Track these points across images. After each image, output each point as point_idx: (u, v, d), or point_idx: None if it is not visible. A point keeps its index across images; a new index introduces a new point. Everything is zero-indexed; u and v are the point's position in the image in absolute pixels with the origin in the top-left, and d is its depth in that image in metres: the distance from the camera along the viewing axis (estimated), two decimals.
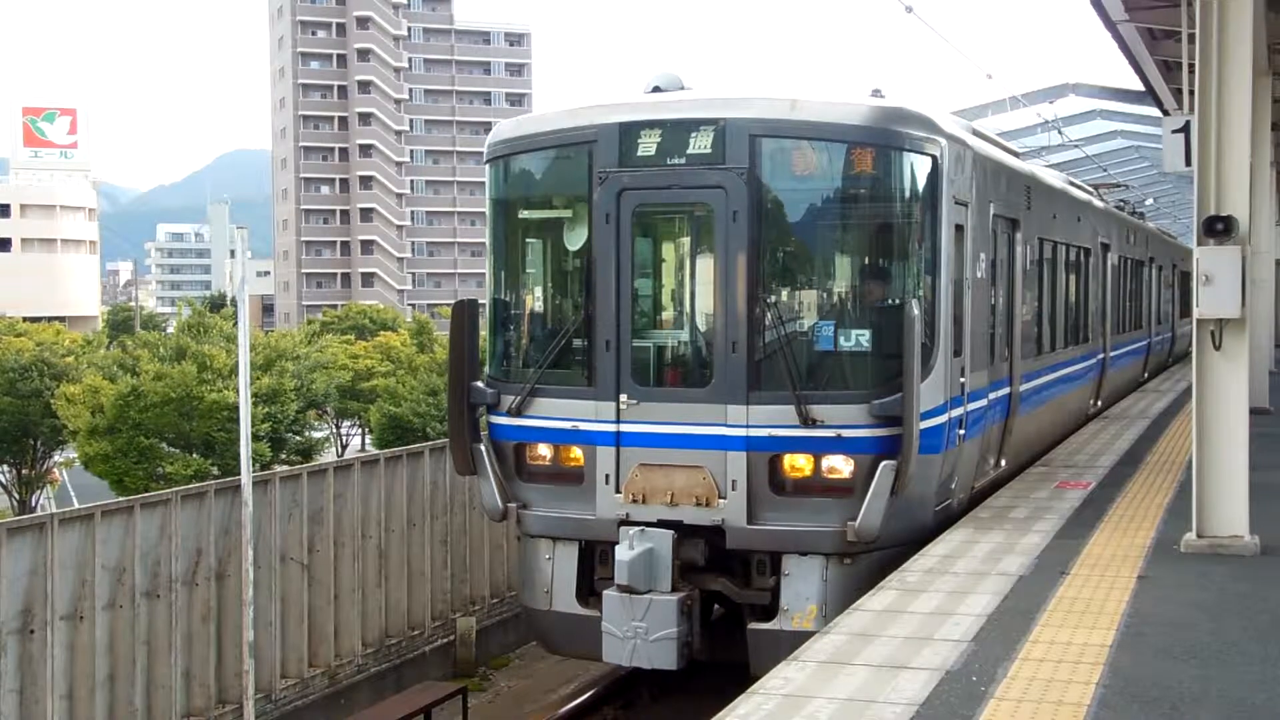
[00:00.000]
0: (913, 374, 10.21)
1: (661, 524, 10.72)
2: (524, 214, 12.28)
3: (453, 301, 12.39)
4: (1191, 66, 10.56)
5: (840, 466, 10.59)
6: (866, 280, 11.19)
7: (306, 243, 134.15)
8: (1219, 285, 9.67)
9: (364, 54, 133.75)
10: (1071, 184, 19.01)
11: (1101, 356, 19.92)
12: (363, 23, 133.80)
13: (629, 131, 10.96)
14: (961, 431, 11.43)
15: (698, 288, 11.27)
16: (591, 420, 11.05)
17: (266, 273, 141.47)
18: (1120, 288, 21.98)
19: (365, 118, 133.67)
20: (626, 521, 10.86)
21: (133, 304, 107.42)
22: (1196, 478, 9.95)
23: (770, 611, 10.75)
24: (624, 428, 10.95)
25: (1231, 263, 9.67)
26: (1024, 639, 7.67)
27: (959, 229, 11.35)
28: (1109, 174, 35.97)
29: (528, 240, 12.37)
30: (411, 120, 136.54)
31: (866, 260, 11.42)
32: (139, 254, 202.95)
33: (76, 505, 15.08)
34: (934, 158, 10.87)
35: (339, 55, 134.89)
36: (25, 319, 61.42)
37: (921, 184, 10.91)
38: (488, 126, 26.75)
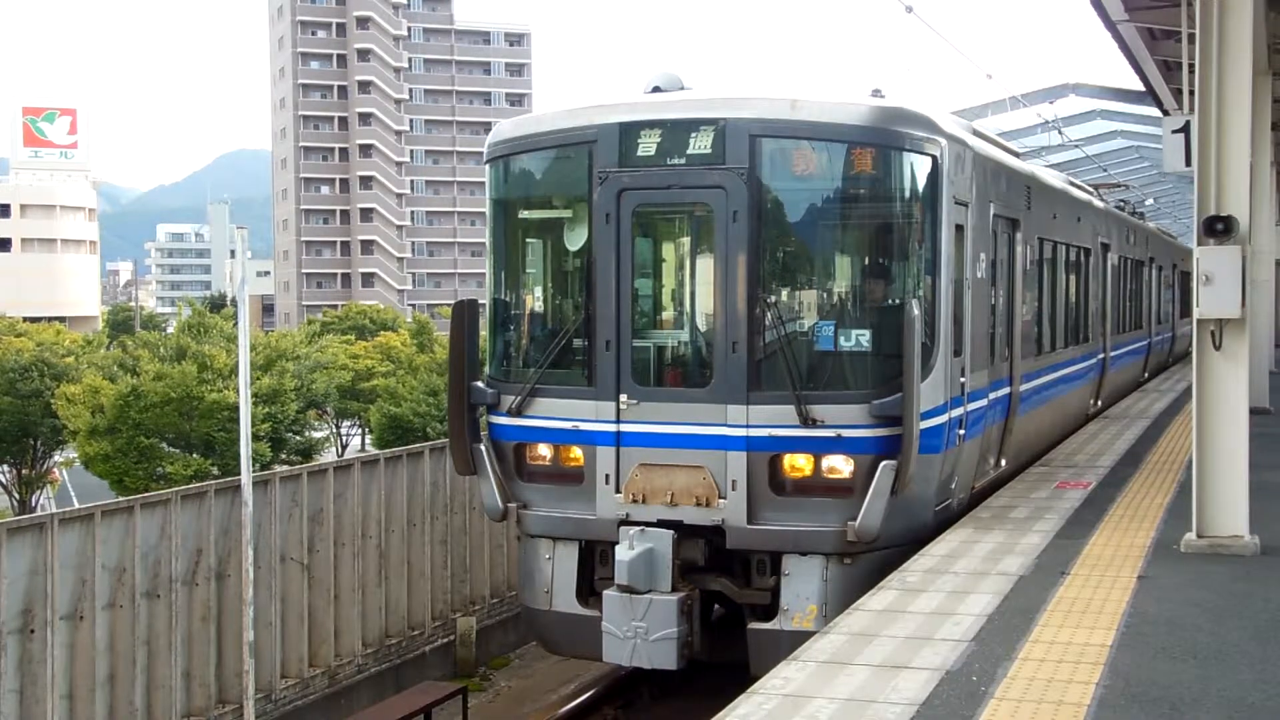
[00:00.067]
0: (913, 374, 10.21)
1: (661, 524, 10.73)
2: (524, 214, 12.29)
3: (453, 301, 12.39)
4: (1191, 66, 10.56)
5: (840, 466, 10.59)
6: (867, 280, 11.19)
7: (306, 243, 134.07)
8: (1219, 285, 9.67)
9: (364, 54, 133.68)
10: (1071, 184, 19.00)
11: (1101, 356, 19.91)
12: (363, 23, 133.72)
13: (629, 131, 10.96)
14: (961, 431, 11.42)
15: (698, 288, 11.27)
16: (591, 420, 11.06)
17: (266, 273, 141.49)
18: (1120, 288, 21.97)
19: (365, 118, 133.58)
20: (626, 521, 10.87)
21: (133, 304, 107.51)
22: (1196, 478, 9.95)
23: (770, 611, 10.75)
24: (624, 428, 10.96)
25: (1231, 263, 9.67)
26: (1024, 639, 7.67)
27: (959, 229, 11.34)
28: (1109, 174, 35.95)
29: (528, 240, 12.37)
30: (411, 120, 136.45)
31: (866, 260, 11.42)
32: (139, 254, 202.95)
33: (76, 505, 15.06)
34: (934, 158, 10.86)
35: (339, 55, 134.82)
36: (25, 319, 61.45)
37: (921, 184, 10.90)
38: (488, 127, 26.76)
